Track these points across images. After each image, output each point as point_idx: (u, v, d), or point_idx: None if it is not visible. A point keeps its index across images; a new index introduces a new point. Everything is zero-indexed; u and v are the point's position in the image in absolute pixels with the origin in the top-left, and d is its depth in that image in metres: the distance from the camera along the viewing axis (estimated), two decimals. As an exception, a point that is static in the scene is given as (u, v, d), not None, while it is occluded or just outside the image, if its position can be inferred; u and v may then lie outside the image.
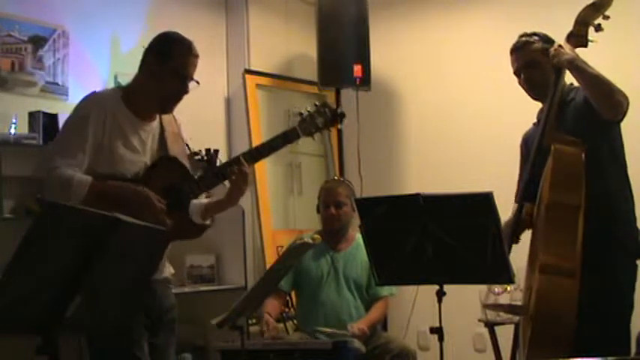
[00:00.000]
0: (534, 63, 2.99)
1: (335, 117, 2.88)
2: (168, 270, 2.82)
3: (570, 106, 2.96)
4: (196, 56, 2.69)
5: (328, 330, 3.66)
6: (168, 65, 2.64)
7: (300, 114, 2.87)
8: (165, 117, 2.76)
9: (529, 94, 3.06)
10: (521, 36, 3.07)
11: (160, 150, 2.71)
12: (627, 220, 2.93)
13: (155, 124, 2.72)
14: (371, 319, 3.78)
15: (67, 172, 2.48)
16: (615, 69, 3.22)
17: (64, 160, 2.50)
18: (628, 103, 2.82)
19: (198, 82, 2.69)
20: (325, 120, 2.86)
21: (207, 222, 2.84)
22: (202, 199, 2.85)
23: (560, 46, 2.87)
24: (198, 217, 2.81)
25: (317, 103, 2.91)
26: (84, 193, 2.45)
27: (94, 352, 2.58)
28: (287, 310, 4.17)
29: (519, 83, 3.07)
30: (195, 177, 2.74)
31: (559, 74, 2.90)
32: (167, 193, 2.62)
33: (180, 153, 2.77)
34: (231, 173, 2.73)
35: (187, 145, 3.15)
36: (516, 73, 3.07)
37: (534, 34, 3.05)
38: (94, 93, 2.69)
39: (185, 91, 2.68)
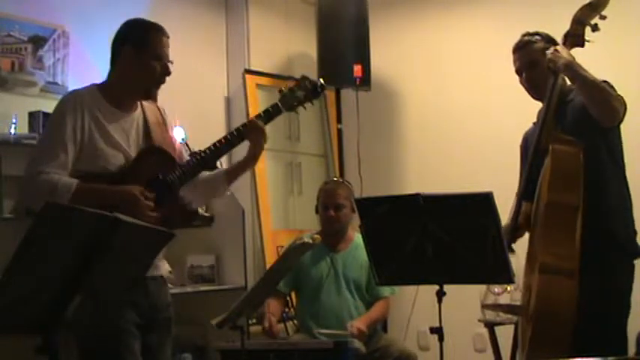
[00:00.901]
0: (535, 63, 2.99)
1: (315, 88, 2.85)
2: (164, 267, 2.79)
3: (569, 107, 2.96)
4: (168, 37, 2.71)
5: (329, 332, 3.67)
6: (147, 52, 2.64)
7: (280, 90, 2.85)
8: (148, 107, 2.75)
9: (530, 94, 3.06)
10: (524, 35, 3.07)
11: (144, 139, 2.69)
12: (625, 220, 2.92)
13: (137, 114, 2.71)
14: (371, 318, 3.78)
15: (52, 176, 2.47)
16: (614, 69, 3.23)
17: (48, 163, 2.49)
18: (625, 109, 2.82)
19: (171, 62, 2.69)
20: (306, 92, 2.84)
21: (228, 190, 2.85)
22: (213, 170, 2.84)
23: (556, 50, 2.86)
24: (224, 185, 2.82)
25: (297, 77, 2.90)
26: (69, 197, 2.44)
27: (81, 353, 2.56)
28: (287, 310, 4.17)
29: (520, 82, 3.07)
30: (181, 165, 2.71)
31: (556, 77, 2.90)
32: (153, 183, 2.60)
33: (166, 142, 2.75)
34: (247, 133, 2.75)
35: (186, 145, 3.13)
36: (518, 72, 3.07)
37: (537, 33, 3.05)
38: (71, 92, 2.69)
39: (168, 72, 2.68)
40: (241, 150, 2.87)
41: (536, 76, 2.99)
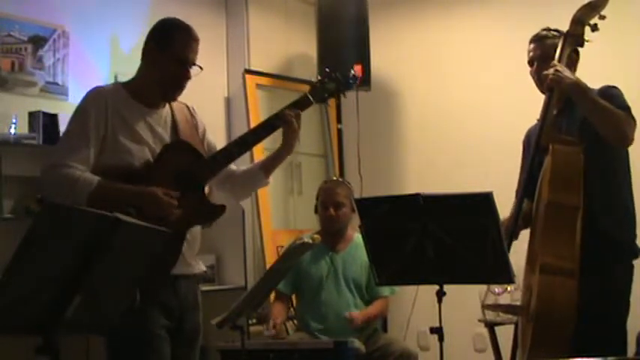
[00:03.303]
0: (547, 57, 2.97)
1: (347, 80, 2.83)
2: (197, 266, 2.73)
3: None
4: (196, 40, 2.66)
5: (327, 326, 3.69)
6: (168, 52, 2.60)
7: (311, 82, 2.84)
8: (176, 106, 2.72)
9: (537, 86, 3.04)
10: (543, 29, 3.06)
11: (172, 136, 2.66)
12: (625, 221, 2.92)
13: (165, 111, 2.68)
14: (369, 313, 3.79)
15: (74, 171, 2.43)
16: (614, 69, 3.23)
17: (69, 156, 2.46)
18: (634, 129, 2.81)
19: (201, 68, 2.65)
20: (337, 84, 2.83)
21: (268, 180, 2.86)
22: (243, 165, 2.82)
23: (557, 69, 2.81)
24: (262, 178, 2.83)
25: (327, 68, 2.87)
26: (88, 193, 2.40)
27: (109, 356, 2.55)
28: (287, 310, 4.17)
29: (530, 73, 3.05)
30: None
31: (552, 93, 2.88)
32: (178, 178, 2.57)
33: (194, 140, 2.71)
34: (281, 122, 2.73)
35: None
36: (530, 62, 3.05)
37: (556, 30, 3.04)
38: (94, 88, 2.66)
39: (187, 76, 2.63)
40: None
41: (544, 73, 2.96)
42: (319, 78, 2.85)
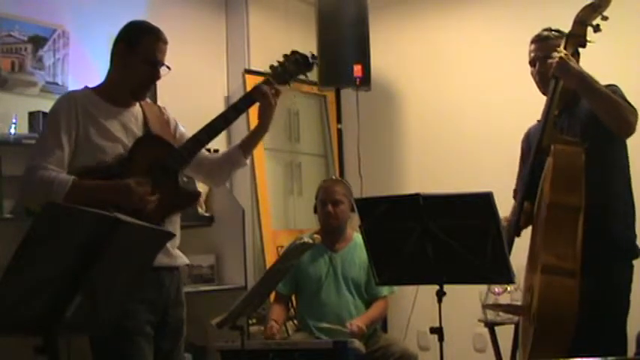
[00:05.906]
0: (549, 58, 2.97)
1: (307, 60, 2.87)
2: (181, 259, 2.76)
3: (579, 108, 2.94)
4: (165, 42, 2.70)
5: (328, 326, 3.67)
6: (136, 53, 2.65)
7: (271, 66, 2.87)
8: (147, 104, 2.78)
9: (538, 87, 3.03)
10: (545, 29, 3.06)
11: (144, 132, 2.70)
12: (626, 221, 2.92)
13: (136, 109, 2.73)
14: (370, 317, 3.78)
15: (49, 172, 2.48)
16: (615, 69, 3.22)
17: (43, 158, 2.51)
18: (637, 119, 2.81)
19: (169, 68, 2.70)
20: (297, 65, 2.86)
21: (246, 161, 2.86)
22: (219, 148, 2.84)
23: (562, 58, 2.80)
24: (241, 157, 2.85)
25: (286, 53, 2.90)
26: (64, 192, 2.44)
27: (94, 353, 2.57)
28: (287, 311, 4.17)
29: (531, 73, 3.05)
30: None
31: (557, 82, 2.88)
32: (152, 169, 2.60)
33: (165, 134, 2.76)
34: (257, 94, 2.76)
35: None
36: (532, 62, 3.05)
37: (558, 30, 3.04)
38: (65, 93, 2.74)
39: (156, 76, 2.69)
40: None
41: (548, 71, 2.96)
42: (278, 61, 2.87)
